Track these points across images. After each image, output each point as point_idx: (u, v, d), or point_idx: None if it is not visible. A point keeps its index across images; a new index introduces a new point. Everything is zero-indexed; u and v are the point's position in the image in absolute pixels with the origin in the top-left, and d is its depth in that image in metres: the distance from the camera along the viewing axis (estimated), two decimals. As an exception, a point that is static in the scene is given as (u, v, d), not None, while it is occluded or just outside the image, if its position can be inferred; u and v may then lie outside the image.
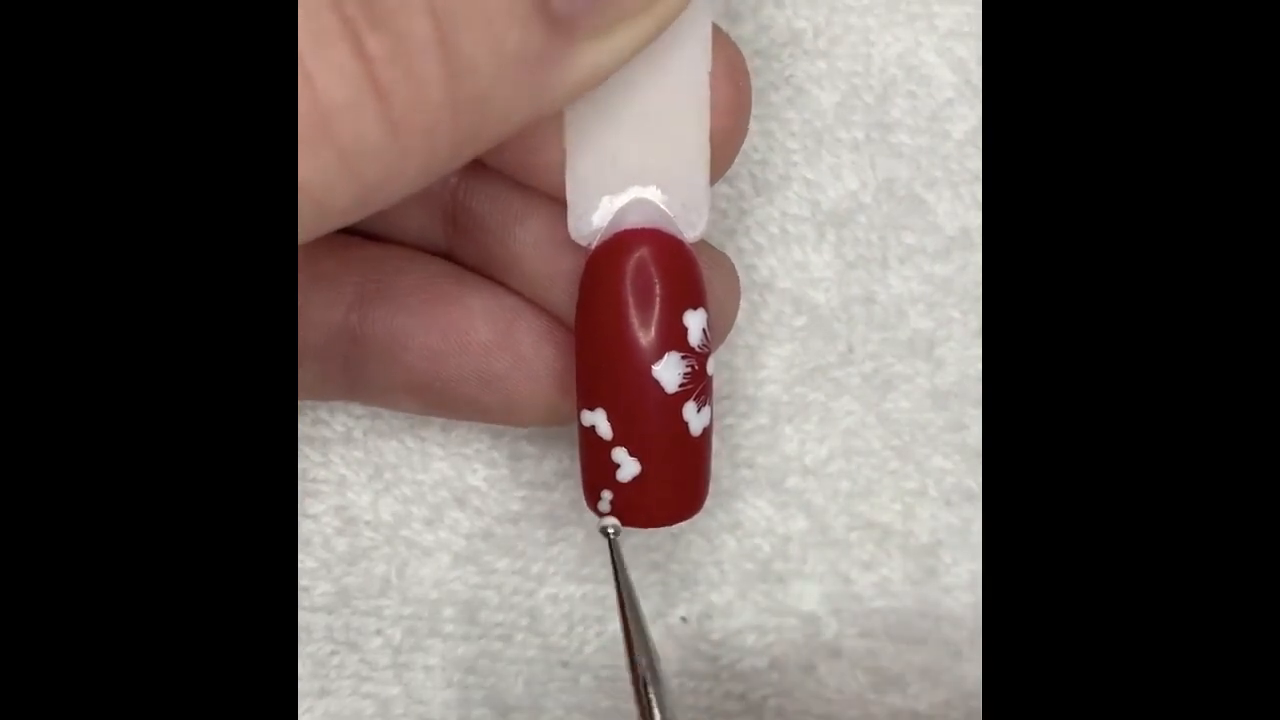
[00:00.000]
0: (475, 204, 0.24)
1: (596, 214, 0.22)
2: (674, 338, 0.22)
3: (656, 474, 0.22)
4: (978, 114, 0.27)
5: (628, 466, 0.22)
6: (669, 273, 0.22)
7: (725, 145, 0.22)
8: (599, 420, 0.22)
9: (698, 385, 0.22)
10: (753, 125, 0.24)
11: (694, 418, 0.22)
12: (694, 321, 0.22)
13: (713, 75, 0.21)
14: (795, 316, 0.27)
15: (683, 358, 0.22)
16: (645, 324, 0.22)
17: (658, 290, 0.22)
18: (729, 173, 0.26)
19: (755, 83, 0.24)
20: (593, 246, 0.22)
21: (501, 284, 0.24)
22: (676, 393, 0.22)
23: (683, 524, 0.27)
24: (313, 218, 0.18)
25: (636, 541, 0.27)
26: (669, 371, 0.22)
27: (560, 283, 0.23)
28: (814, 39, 0.27)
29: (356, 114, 0.18)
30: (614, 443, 0.22)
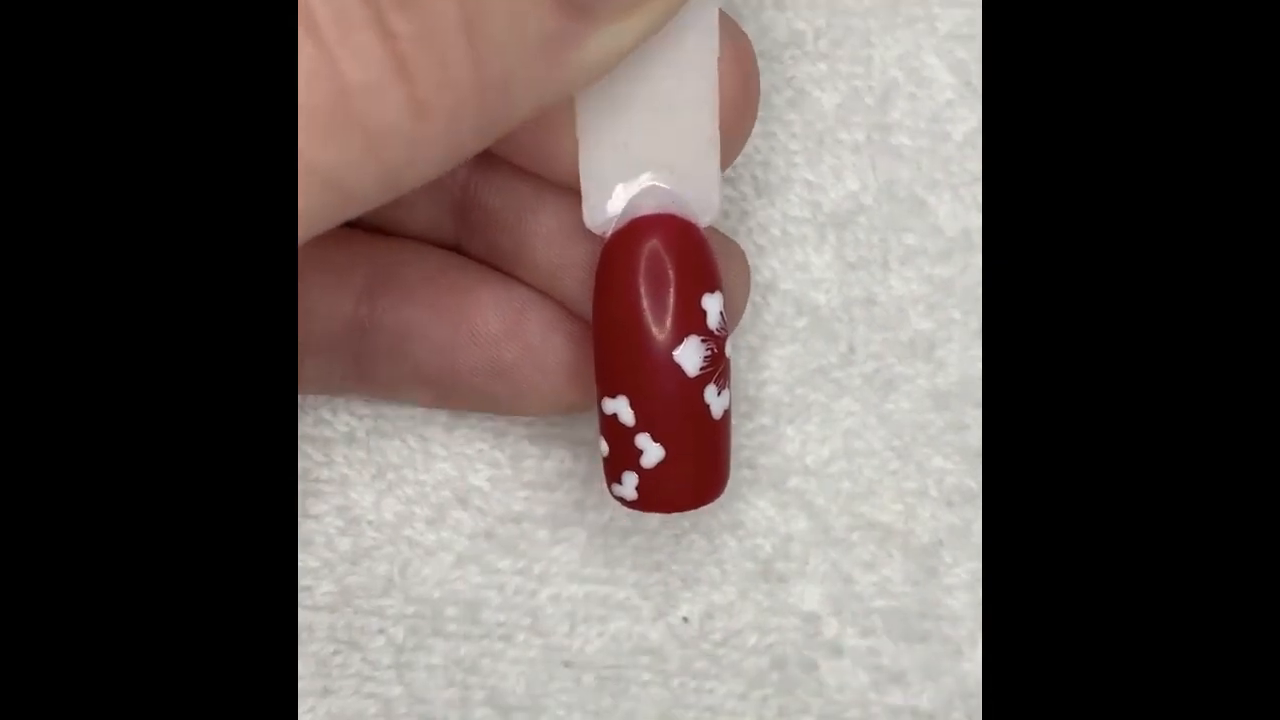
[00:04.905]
0: (485, 197, 0.24)
1: (611, 202, 0.22)
2: (694, 321, 0.22)
3: (680, 458, 0.22)
4: (978, 115, 0.27)
5: (651, 452, 0.22)
6: (686, 257, 0.22)
7: (734, 130, 0.22)
8: (621, 407, 0.22)
9: (717, 368, 0.22)
10: (754, 127, 0.24)
11: (715, 400, 0.22)
12: (712, 305, 0.22)
13: (720, 61, 0.21)
14: (797, 317, 0.27)
15: (703, 341, 0.22)
16: (665, 309, 0.22)
17: (676, 275, 0.22)
18: (730, 174, 0.27)
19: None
20: (608, 234, 0.22)
21: (510, 275, 0.24)
22: (698, 376, 0.22)
23: (683, 524, 0.27)
24: (336, 203, 0.18)
25: (638, 541, 0.27)
26: (690, 355, 0.22)
27: (572, 273, 0.23)
28: (815, 41, 0.27)
29: (382, 96, 0.18)
30: (637, 429, 0.22)
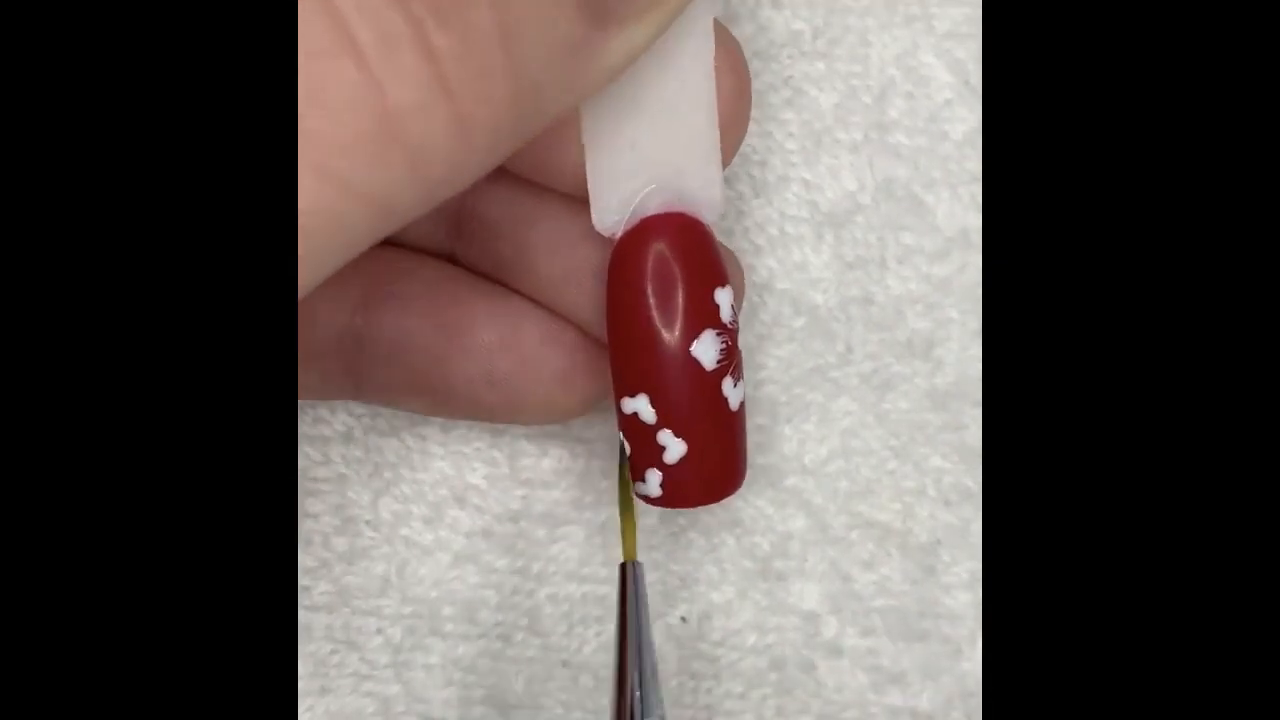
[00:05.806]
0: (485, 208, 0.24)
1: (619, 204, 0.22)
2: (708, 315, 0.22)
3: (702, 452, 0.22)
4: (976, 115, 0.27)
5: (674, 448, 0.22)
6: (696, 254, 0.22)
7: (731, 130, 0.23)
8: (641, 406, 0.22)
9: (732, 360, 0.22)
10: (751, 126, 0.24)
11: (731, 392, 0.22)
12: (724, 298, 0.22)
13: (715, 64, 0.22)
14: (794, 317, 0.27)
15: (718, 334, 0.22)
16: (679, 305, 0.22)
17: (688, 271, 0.22)
18: (727, 174, 0.27)
19: (754, 84, 0.24)
20: (617, 236, 0.22)
21: (507, 286, 0.24)
22: (715, 369, 0.22)
23: (680, 522, 0.27)
24: (380, 222, 0.18)
25: (638, 541, 0.27)
26: (707, 349, 0.22)
27: (573, 282, 0.24)
28: (812, 40, 0.27)
29: (426, 115, 0.18)
30: (658, 426, 0.22)
